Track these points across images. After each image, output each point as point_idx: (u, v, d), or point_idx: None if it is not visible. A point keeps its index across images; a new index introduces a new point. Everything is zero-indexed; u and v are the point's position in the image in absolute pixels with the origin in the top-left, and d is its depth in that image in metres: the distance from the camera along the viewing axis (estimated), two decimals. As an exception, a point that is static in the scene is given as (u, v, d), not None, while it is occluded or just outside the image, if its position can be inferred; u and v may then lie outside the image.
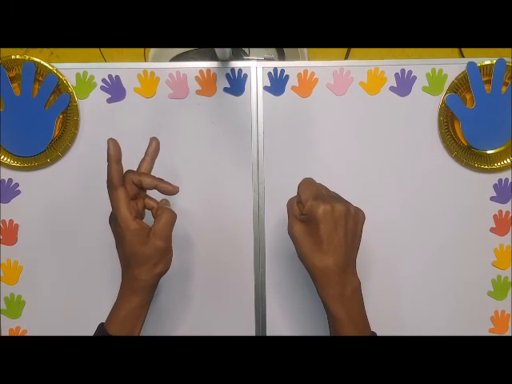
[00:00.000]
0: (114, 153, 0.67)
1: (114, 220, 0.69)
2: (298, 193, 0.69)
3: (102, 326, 0.71)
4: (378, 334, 0.69)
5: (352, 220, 0.65)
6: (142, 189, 0.71)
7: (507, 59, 0.90)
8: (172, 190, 0.70)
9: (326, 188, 0.70)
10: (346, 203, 0.66)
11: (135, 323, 0.71)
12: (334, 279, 0.64)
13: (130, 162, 0.92)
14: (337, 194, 0.70)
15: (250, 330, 0.93)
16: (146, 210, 0.73)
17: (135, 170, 0.72)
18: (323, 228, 0.63)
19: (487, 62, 0.90)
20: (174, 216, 0.70)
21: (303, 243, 0.66)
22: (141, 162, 0.74)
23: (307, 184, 0.69)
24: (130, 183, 0.69)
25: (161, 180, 0.71)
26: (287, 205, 0.70)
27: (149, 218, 0.72)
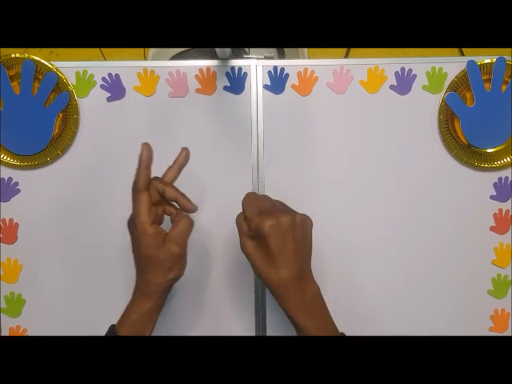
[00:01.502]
0: (145, 158, 0.69)
1: (132, 223, 0.69)
2: (242, 209, 0.69)
3: (113, 327, 0.71)
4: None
5: (299, 229, 0.65)
6: (163, 197, 0.71)
7: (507, 58, 0.90)
8: (190, 208, 0.70)
9: (269, 199, 0.70)
10: (291, 213, 0.66)
11: (145, 327, 0.71)
12: (292, 290, 0.65)
13: (130, 160, 0.92)
14: (281, 204, 0.70)
15: (249, 330, 0.93)
16: (165, 216, 0.74)
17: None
18: (272, 243, 0.63)
19: (487, 61, 0.90)
20: (191, 223, 0.70)
21: (256, 259, 0.66)
22: (168, 169, 0.74)
23: (250, 200, 0.69)
24: (154, 190, 0.70)
25: (183, 195, 0.71)
26: (236, 222, 0.70)
27: (167, 224, 0.72)
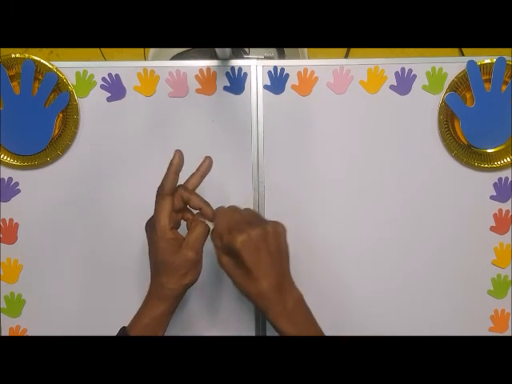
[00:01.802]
0: (176, 163, 0.69)
1: (151, 226, 0.69)
2: (214, 225, 0.70)
3: (124, 329, 0.71)
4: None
5: (272, 239, 0.66)
6: (185, 205, 0.71)
7: (507, 58, 0.90)
8: (211, 218, 0.70)
9: (238, 212, 0.71)
10: (262, 224, 0.67)
11: (157, 331, 0.71)
12: (273, 299, 0.65)
13: (130, 160, 0.92)
14: (251, 214, 0.71)
15: (249, 330, 0.93)
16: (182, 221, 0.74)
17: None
18: (246, 258, 0.64)
19: (487, 61, 0.90)
20: (207, 229, 0.70)
21: (234, 274, 0.68)
22: (190, 176, 0.74)
23: (220, 216, 0.70)
24: (179, 197, 0.70)
25: (206, 203, 0.71)
26: (211, 237, 0.70)
27: (183, 229, 0.72)
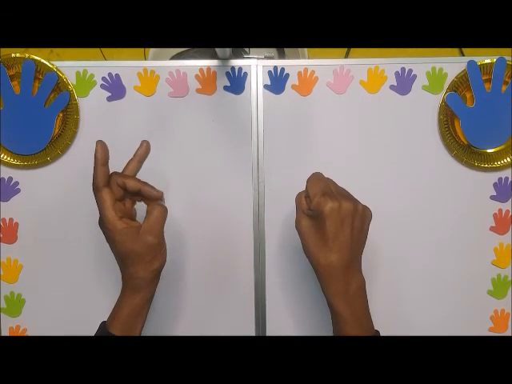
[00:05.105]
0: (101, 155, 0.67)
1: (101, 224, 0.68)
2: (306, 187, 0.69)
3: (103, 325, 0.71)
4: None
5: (359, 218, 0.65)
6: (126, 191, 0.70)
7: (507, 58, 0.90)
8: (155, 195, 0.70)
9: (334, 184, 0.70)
10: (354, 201, 0.66)
11: (137, 322, 0.71)
12: (338, 276, 0.64)
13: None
14: (345, 191, 0.70)
15: (249, 330, 0.93)
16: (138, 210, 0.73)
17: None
18: (329, 225, 0.63)
19: (487, 61, 0.90)
20: (165, 211, 0.69)
21: (309, 238, 0.66)
22: (128, 162, 0.72)
23: (316, 179, 0.69)
24: (115, 185, 0.68)
25: (145, 184, 0.70)
26: (296, 199, 0.70)
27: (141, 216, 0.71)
